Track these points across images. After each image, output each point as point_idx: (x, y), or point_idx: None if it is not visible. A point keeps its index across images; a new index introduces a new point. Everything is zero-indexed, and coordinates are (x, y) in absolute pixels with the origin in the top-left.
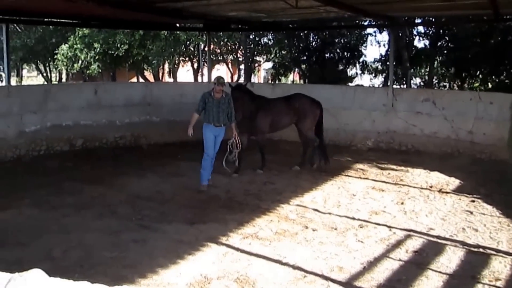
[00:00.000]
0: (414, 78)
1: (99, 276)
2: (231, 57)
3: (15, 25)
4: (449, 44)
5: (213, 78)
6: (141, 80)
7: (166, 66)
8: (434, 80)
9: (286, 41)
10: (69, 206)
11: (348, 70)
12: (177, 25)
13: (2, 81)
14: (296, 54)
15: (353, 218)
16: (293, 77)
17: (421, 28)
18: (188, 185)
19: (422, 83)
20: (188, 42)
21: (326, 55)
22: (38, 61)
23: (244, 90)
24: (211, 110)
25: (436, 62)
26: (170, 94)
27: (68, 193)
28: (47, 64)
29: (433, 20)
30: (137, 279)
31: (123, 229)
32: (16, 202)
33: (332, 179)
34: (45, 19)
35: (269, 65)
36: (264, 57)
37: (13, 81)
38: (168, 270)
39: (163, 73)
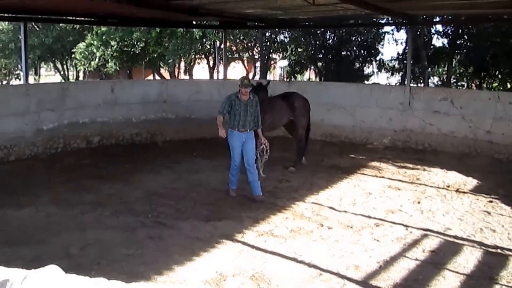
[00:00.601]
0: (431, 77)
1: (116, 273)
2: (246, 54)
3: (33, 23)
4: (468, 43)
5: (228, 75)
6: (157, 77)
7: (182, 63)
8: (452, 79)
9: (302, 38)
10: (86, 203)
11: (364, 68)
12: (194, 22)
13: (20, 79)
14: (312, 52)
15: (369, 217)
16: (309, 75)
17: (439, 27)
18: (203, 182)
19: (439, 82)
20: (204, 40)
21: (343, 53)
22: (56, 60)
23: (266, 90)
24: (238, 114)
25: (454, 61)
26: (186, 91)
27: (85, 190)
28: (64, 62)
29: (452, 18)
30: (153, 276)
31: (139, 226)
32: (34, 200)
33: (348, 177)
34: (63, 18)
35: (284, 62)
36: (280, 54)
37: (31, 80)
38: (184, 267)
39: (179, 71)
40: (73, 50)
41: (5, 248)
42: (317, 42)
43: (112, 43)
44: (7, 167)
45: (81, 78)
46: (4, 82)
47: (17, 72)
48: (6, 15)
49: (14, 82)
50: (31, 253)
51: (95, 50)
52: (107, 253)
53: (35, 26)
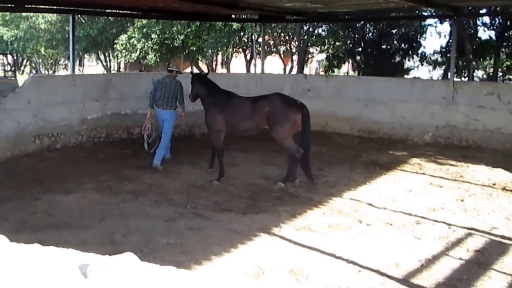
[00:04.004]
0: (476, 71)
1: (157, 261)
2: (283, 48)
3: (79, 16)
4: None
5: (266, 69)
6: (195, 70)
7: (219, 57)
8: (498, 73)
9: (341, 32)
10: (128, 192)
11: (405, 62)
12: (233, 16)
13: (67, 69)
14: (351, 45)
15: (410, 214)
16: (347, 69)
17: (486, 19)
18: (240, 176)
19: (485, 76)
20: (242, 33)
21: (383, 46)
22: (99, 51)
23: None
24: None
25: (501, 54)
26: (223, 85)
27: (127, 179)
28: (107, 54)
29: (500, 10)
30: (193, 266)
31: (178, 216)
32: (79, 186)
33: (387, 173)
34: (109, 10)
35: (321, 56)
36: (318, 48)
37: (76, 70)
38: (223, 258)
39: (216, 64)
40: (115, 41)
41: (54, 231)
42: (356, 36)
43: (153, 35)
44: (55, 154)
45: (122, 69)
46: (50, 72)
47: (65, 62)
48: (55, 7)
49: (61, 72)
50: (78, 238)
51: (136, 42)
52: (148, 241)
53: (81, 18)
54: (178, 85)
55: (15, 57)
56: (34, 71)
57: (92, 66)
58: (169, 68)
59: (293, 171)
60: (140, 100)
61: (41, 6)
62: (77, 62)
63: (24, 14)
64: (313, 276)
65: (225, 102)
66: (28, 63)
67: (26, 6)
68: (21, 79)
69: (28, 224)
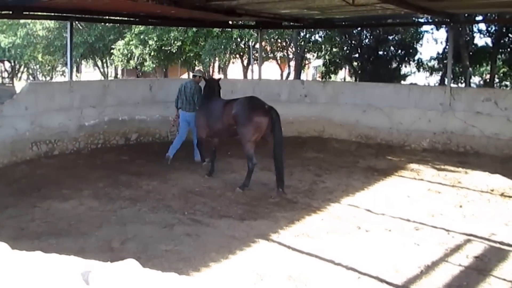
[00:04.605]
0: (472, 77)
1: (156, 268)
2: (280, 54)
3: (76, 22)
4: None
5: (263, 75)
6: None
7: (216, 63)
8: (495, 79)
9: (337, 38)
10: (126, 199)
11: (402, 68)
12: (230, 22)
13: (64, 76)
14: (347, 52)
15: (408, 220)
16: (344, 74)
17: (482, 25)
18: (238, 181)
19: (481, 82)
20: (239, 39)
21: (379, 52)
22: (96, 57)
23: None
24: None
25: (498, 61)
26: (221, 91)
27: (124, 186)
28: (104, 60)
29: (496, 17)
30: (191, 273)
31: (176, 222)
32: (76, 193)
33: (385, 179)
34: (107, 17)
35: (318, 62)
36: (314, 54)
37: (74, 77)
38: (221, 265)
39: (213, 70)
40: (113, 46)
41: (52, 239)
42: (353, 42)
43: (150, 42)
44: (52, 161)
45: (119, 75)
46: (48, 78)
47: (62, 69)
48: (53, 14)
49: (58, 78)
50: (76, 245)
51: (133, 49)
52: (146, 248)
53: (79, 25)
54: (196, 89)
55: (12, 64)
56: (31, 78)
57: (88, 72)
58: (193, 74)
59: (246, 180)
60: (137, 106)
61: (39, 13)
62: (75, 69)
63: (21, 21)
64: (312, 282)
65: (207, 104)
66: (25, 69)
67: (24, 13)
68: (19, 85)
69: (26, 232)
